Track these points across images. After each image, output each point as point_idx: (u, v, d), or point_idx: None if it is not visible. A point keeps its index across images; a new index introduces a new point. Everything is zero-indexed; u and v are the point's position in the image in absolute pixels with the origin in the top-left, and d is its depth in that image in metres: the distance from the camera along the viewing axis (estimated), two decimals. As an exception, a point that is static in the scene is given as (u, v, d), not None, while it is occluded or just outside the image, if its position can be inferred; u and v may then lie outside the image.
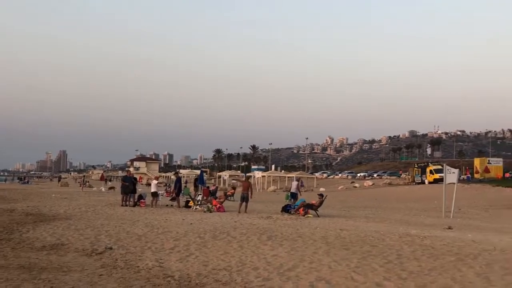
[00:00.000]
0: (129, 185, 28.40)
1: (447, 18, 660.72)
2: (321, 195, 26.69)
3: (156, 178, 34.42)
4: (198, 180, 34.87)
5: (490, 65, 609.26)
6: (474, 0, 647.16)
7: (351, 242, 13.80)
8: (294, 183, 30.10)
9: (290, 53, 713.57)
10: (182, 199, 29.28)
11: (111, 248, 12.98)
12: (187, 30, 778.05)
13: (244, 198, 26.08)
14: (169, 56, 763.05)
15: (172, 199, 30.82)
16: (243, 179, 32.13)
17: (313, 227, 17.91)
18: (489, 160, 78.47)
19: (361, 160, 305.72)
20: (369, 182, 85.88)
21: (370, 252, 12.16)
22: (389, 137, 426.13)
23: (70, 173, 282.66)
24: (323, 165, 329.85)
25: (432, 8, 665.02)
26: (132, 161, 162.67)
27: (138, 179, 43.52)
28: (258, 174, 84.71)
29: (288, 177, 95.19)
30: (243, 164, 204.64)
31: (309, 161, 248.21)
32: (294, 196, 28.46)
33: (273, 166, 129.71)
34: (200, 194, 30.20)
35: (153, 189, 29.77)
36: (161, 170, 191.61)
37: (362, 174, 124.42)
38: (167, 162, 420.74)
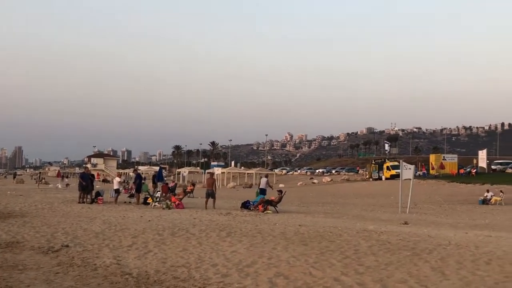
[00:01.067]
0: (87, 182, 28.03)
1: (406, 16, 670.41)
2: (280, 191, 26.81)
3: (119, 176, 34.09)
4: (157, 177, 34.56)
5: (445, 65, 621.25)
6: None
7: (310, 237, 13.91)
8: (264, 180, 30.19)
9: (248, 47, 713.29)
10: (141, 195, 29.03)
11: (67, 246, 12.77)
12: (151, 22, 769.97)
13: (210, 194, 26.12)
14: (127, 50, 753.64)
15: (131, 196, 30.53)
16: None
17: (272, 223, 17.98)
18: (444, 157, 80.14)
19: (320, 157, 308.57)
20: (328, 178, 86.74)
21: (328, 247, 12.27)
22: (347, 133, 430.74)
23: (26, 170, 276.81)
24: (282, 161, 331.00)
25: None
26: (89, 157, 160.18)
27: (95, 176, 42.94)
28: (217, 170, 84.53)
29: (248, 173, 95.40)
30: (202, 160, 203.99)
31: (269, 158, 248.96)
32: (263, 192, 28.53)
33: (232, 163, 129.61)
34: (159, 191, 29.96)
35: (116, 186, 29.65)
36: (119, 166, 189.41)
37: (320, 170, 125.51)
38: (125, 158, 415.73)
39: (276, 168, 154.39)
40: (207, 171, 79.42)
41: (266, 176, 32.20)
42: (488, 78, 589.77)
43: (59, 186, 55.38)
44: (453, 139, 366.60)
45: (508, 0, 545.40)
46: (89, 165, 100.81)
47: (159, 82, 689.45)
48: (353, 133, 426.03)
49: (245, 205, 25.63)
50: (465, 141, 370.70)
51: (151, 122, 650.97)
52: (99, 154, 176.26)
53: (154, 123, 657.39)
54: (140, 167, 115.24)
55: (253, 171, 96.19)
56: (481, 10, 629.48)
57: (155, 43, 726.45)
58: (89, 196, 28.04)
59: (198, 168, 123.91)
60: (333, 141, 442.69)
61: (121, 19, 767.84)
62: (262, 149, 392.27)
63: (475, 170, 71.16)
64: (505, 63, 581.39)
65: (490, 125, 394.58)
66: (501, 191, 39.64)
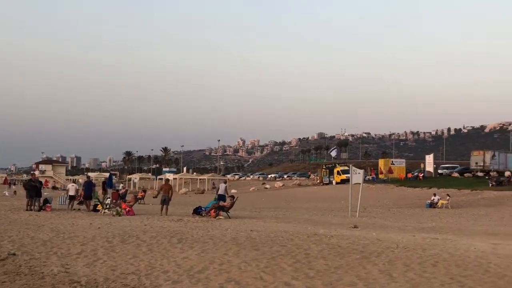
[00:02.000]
0: (34, 189, 27.42)
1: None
2: (232, 196, 26.80)
3: (74, 182, 33.47)
4: (107, 183, 34.14)
5: (393, 71, 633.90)
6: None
7: (261, 242, 13.97)
8: (222, 186, 30.06)
9: (199, 53, 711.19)
10: (91, 202, 28.58)
11: (14, 254, 12.46)
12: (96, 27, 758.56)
13: (165, 201, 26.00)
14: (76, 53, 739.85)
15: (80, 203, 30.02)
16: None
17: (224, 228, 17.97)
18: (392, 161, 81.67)
19: (272, 162, 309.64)
20: (280, 183, 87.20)
21: (279, 252, 12.35)
22: (299, 139, 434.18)
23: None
24: (235, 166, 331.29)
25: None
26: (37, 164, 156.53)
27: (43, 182, 42.00)
28: (169, 176, 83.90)
29: (200, 179, 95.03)
30: (154, 166, 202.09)
31: (221, 163, 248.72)
32: (222, 198, 28.40)
33: (184, 169, 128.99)
34: (109, 198, 29.56)
35: (71, 192, 29.21)
36: (69, 173, 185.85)
37: (273, 175, 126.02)
38: (74, 165, 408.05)
39: (228, 174, 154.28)
40: (159, 177, 78.84)
41: (225, 182, 32.15)
42: (435, 84, 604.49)
43: (6, 194, 53.94)
44: (401, 144, 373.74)
45: (448, 7, 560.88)
46: (37, 172, 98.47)
47: (110, 87, 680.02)
48: (304, 138, 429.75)
49: (197, 211, 25.53)
50: (413, 146, 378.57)
51: (101, 128, 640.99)
52: (48, 161, 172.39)
53: (104, 129, 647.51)
54: (90, 174, 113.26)
55: (205, 176, 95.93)
56: (424, 15, 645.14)
57: (101, 47, 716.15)
58: (37, 204, 27.44)
59: (150, 174, 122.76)
60: (285, 146, 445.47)
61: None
62: (215, 154, 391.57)
63: (422, 174, 72.77)
64: (450, 70, 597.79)
65: (437, 130, 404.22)
66: (447, 195, 40.65)
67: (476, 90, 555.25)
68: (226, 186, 30.34)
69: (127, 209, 25.78)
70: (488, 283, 9.12)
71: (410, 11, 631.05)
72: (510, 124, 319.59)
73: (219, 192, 29.66)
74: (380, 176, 75.06)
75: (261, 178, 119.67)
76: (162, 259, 11.68)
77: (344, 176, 66.16)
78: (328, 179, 76.76)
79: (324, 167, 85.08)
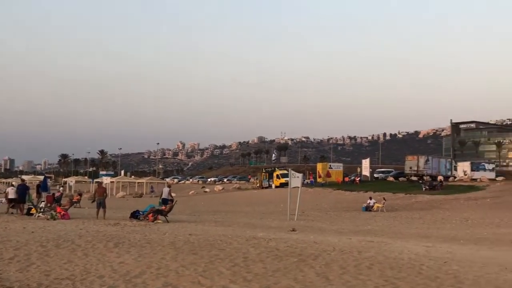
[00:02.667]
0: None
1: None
2: (171, 200, 26.60)
3: (12, 185, 32.34)
4: (42, 187, 33.25)
5: (332, 78, 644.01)
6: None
7: (200, 246, 13.92)
8: (166, 189, 29.66)
9: (139, 55, 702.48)
10: (24, 206, 27.77)
11: None
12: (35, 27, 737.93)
13: (101, 204, 25.53)
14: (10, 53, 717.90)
15: (13, 207, 29.10)
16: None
17: (162, 232, 17.80)
18: (330, 165, 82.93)
19: (212, 165, 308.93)
20: (219, 187, 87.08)
21: (218, 255, 12.34)
22: (239, 142, 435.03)
23: None
24: (174, 170, 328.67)
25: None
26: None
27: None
28: (106, 179, 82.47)
29: (138, 182, 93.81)
30: (90, 169, 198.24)
31: (160, 167, 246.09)
32: (165, 202, 28.04)
33: (122, 172, 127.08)
34: (43, 201, 28.81)
35: (11, 195, 28.17)
36: (1, 176, 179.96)
37: (212, 179, 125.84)
38: (7, 167, 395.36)
39: (167, 177, 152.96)
40: (95, 180, 77.39)
41: (169, 186, 31.74)
42: (370, 91, 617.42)
43: None
44: (339, 148, 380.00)
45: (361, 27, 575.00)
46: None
47: (46, 88, 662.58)
48: (244, 142, 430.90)
49: (135, 215, 25.20)
50: (350, 151, 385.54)
51: (35, 129, 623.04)
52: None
53: (38, 130, 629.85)
54: (24, 177, 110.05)
55: (143, 180, 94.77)
56: (359, 25, 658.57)
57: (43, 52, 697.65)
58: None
59: (86, 177, 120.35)
60: (225, 150, 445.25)
61: None
62: (154, 157, 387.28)
63: (359, 178, 74.21)
64: (385, 77, 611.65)
65: (373, 135, 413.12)
66: (383, 199, 41.61)
67: (411, 97, 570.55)
68: (169, 190, 30.07)
69: (62, 213, 25.20)
70: (421, 285, 9.38)
71: (354, 21, 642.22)
72: (443, 130, 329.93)
73: (163, 196, 29.37)
74: (319, 180, 76.06)
75: (200, 182, 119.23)
76: (98, 263, 11.46)
77: (283, 180, 66.70)
78: (267, 183, 77.23)
79: (263, 170, 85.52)
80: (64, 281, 9.79)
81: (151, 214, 24.21)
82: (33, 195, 32.86)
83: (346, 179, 76.48)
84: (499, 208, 35.99)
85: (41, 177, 57.18)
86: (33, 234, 16.72)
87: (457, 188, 56.42)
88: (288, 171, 33.06)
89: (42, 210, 26.33)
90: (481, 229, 23.44)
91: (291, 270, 10.59)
